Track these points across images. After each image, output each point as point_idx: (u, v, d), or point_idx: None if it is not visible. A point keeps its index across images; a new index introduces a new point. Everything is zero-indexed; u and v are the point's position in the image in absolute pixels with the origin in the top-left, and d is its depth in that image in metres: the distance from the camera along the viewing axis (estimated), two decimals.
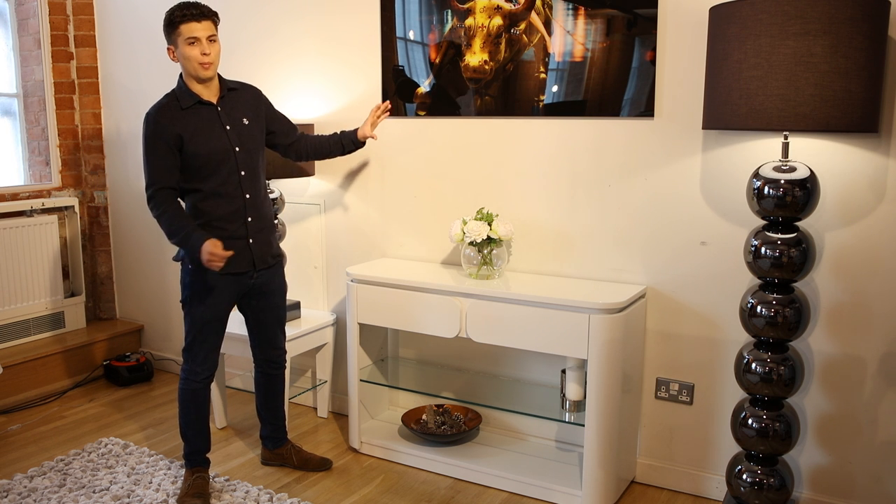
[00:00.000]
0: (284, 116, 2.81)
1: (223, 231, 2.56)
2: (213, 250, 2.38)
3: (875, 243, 2.34)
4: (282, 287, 2.81)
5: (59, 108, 4.02)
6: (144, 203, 3.84)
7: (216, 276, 2.55)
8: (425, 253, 3.18)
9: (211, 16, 2.51)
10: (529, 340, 2.61)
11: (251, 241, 2.62)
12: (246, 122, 2.62)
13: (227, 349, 3.16)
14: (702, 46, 2.47)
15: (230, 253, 2.43)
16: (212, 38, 2.50)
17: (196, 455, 2.75)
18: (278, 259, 2.77)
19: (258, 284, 2.69)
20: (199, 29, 2.46)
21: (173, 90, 2.56)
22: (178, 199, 2.53)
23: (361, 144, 2.87)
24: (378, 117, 2.86)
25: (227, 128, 2.57)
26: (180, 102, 2.52)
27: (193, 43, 2.46)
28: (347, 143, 2.86)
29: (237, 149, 2.57)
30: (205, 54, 2.47)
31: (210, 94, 2.57)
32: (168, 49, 2.53)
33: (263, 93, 2.77)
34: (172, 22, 2.47)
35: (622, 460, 2.68)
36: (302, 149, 2.82)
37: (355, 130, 2.86)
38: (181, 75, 2.57)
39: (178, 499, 2.66)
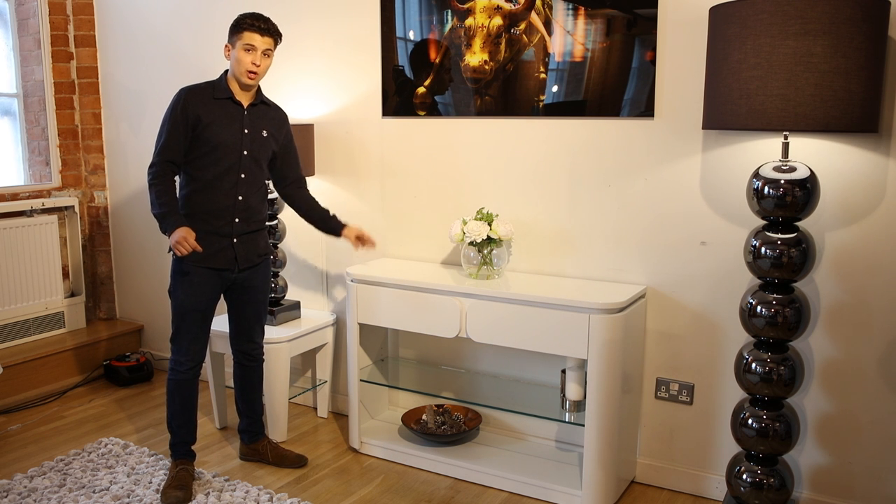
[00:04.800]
0: (297, 156, 2.86)
1: (208, 225, 2.63)
2: (187, 237, 2.48)
3: (875, 243, 2.34)
4: (265, 284, 2.85)
5: (59, 108, 4.02)
6: (144, 203, 3.84)
7: (198, 268, 2.63)
8: (425, 253, 3.18)
9: (274, 35, 2.64)
10: (529, 340, 2.61)
11: (235, 240, 2.68)
12: (265, 134, 2.71)
13: (225, 349, 3.16)
14: (702, 46, 2.47)
15: (198, 248, 2.53)
16: (267, 53, 2.63)
17: (181, 446, 2.79)
18: (264, 258, 2.82)
19: (241, 279, 2.75)
20: (258, 41, 2.58)
21: (214, 80, 2.69)
22: (174, 179, 2.62)
23: (337, 235, 2.87)
24: (363, 243, 2.86)
25: (246, 131, 2.65)
26: (215, 92, 2.63)
27: (249, 50, 2.58)
28: (330, 226, 2.86)
29: (245, 152, 2.65)
30: (255, 64, 2.59)
31: (244, 97, 2.68)
32: (225, 46, 2.64)
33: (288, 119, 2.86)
34: (239, 26, 2.59)
35: (622, 460, 2.68)
36: (296, 197, 2.86)
37: (344, 226, 2.85)
38: (226, 71, 2.68)
39: (161, 491, 2.69)
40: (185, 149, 2.59)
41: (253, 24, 2.57)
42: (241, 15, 2.61)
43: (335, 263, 3.42)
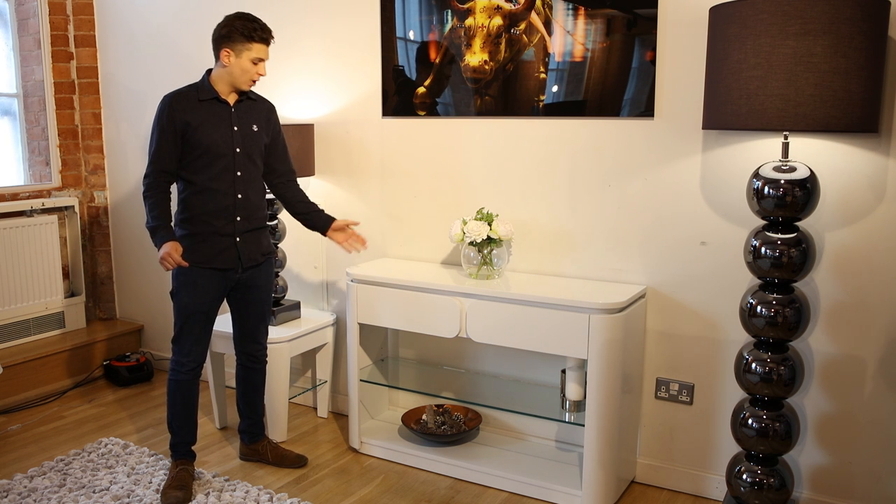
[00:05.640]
0: (286, 147, 2.85)
1: (209, 226, 2.63)
2: (172, 252, 2.52)
3: (875, 243, 2.34)
4: (268, 283, 2.85)
5: (59, 108, 4.02)
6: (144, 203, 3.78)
7: (201, 269, 2.63)
8: (425, 253, 3.18)
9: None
10: (529, 340, 2.61)
11: (238, 239, 2.68)
12: (255, 128, 2.70)
13: (226, 349, 3.17)
14: (702, 46, 2.47)
15: (184, 263, 2.55)
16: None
17: (181, 446, 2.79)
18: (268, 257, 2.82)
19: (245, 279, 2.75)
20: (265, 52, 2.61)
21: (196, 82, 2.67)
22: (169, 189, 2.63)
23: (322, 233, 2.84)
24: (348, 240, 2.80)
25: (235, 128, 2.64)
26: (199, 94, 2.62)
27: (257, 63, 2.59)
28: (315, 224, 2.82)
29: (238, 149, 2.64)
30: (260, 74, 2.63)
31: (230, 96, 2.67)
32: (225, 51, 2.57)
33: (276, 111, 2.84)
34: (249, 37, 2.56)
35: (622, 460, 2.68)
36: (285, 191, 2.83)
37: (330, 221, 2.81)
38: (209, 71, 2.66)
39: (161, 491, 2.69)
40: (177, 156, 2.59)
41: (264, 36, 2.57)
42: (244, 23, 2.55)
43: (335, 263, 3.42)
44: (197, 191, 2.61)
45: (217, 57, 2.60)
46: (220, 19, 3.73)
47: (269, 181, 2.83)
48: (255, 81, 2.63)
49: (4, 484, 2.77)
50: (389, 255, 3.27)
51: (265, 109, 2.77)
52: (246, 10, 3.47)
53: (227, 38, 2.57)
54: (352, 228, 2.83)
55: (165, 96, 2.62)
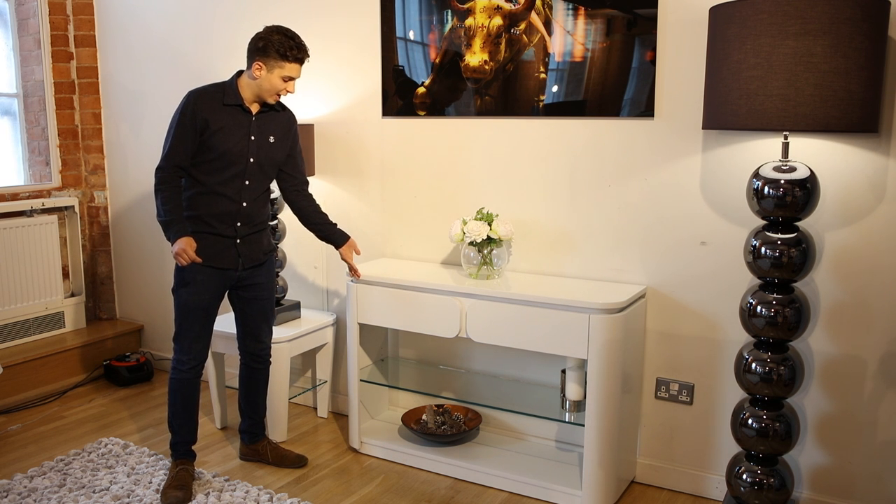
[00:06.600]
0: (301, 158, 2.85)
1: (212, 228, 2.64)
2: (186, 248, 2.51)
3: (875, 243, 2.34)
4: (270, 281, 2.85)
5: (59, 108, 4.02)
6: (144, 203, 3.83)
7: (202, 267, 2.62)
8: (425, 253, 3.18)
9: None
10: (529, 340, 2.61)
11: (238, 241, 2.68)
12: (272, 140, 2.69)
13: (226, 349, 3.17)
14: (702, 46, 2.47)
15: (198, 260, 2.55)
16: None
17: (181, 446, 2.79)
18: (269, 255, 2.82)
19: (245, 276, 2.75)
20: (298, 71, 2.60)
21: (224, 82, 2.65)
22: (181, 183, 2.61)
23: (336, 247, 2.88)
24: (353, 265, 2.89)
25: (252, 138, 2.64)
26: (225, 97, 2.61)
27: (287, 81, 2.59)
28: (330, 236, 2.86)
29: (251, 159, 2.64)
30: (288, 91, 2.62)
31: (254, 105, 2.66)
32: (257, 64, 2.55)
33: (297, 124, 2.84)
34: (284, 55, 2.53)
35: (622, 460, 2.68)
36: (299, 201, 2.84)
37: (346, 237, 2.86)
38: (239, 74, 2.65)
39: (161, 491, 2.69)
40: (192, 153, 2.58)
41: (300, 56, 2.56)
42: (281, 38, 2.52)
43: (335, 263, 3.42)
44: (203, 192, 2.61)
45: (249, 66, 2.58)
46: (219, 20, 3.73)
47: (283, 188, 2.84)
48: (280, 96, 2.63)
49: (4, 484, 2.77)
50: (389, 255, 3.27)
51: (286, 120, 2.76)
52: (248, 12, 3.49)
53: (261, 52, 2.54)
54: (354, 254, 2.89)
55: (190, 92, 2.60)
